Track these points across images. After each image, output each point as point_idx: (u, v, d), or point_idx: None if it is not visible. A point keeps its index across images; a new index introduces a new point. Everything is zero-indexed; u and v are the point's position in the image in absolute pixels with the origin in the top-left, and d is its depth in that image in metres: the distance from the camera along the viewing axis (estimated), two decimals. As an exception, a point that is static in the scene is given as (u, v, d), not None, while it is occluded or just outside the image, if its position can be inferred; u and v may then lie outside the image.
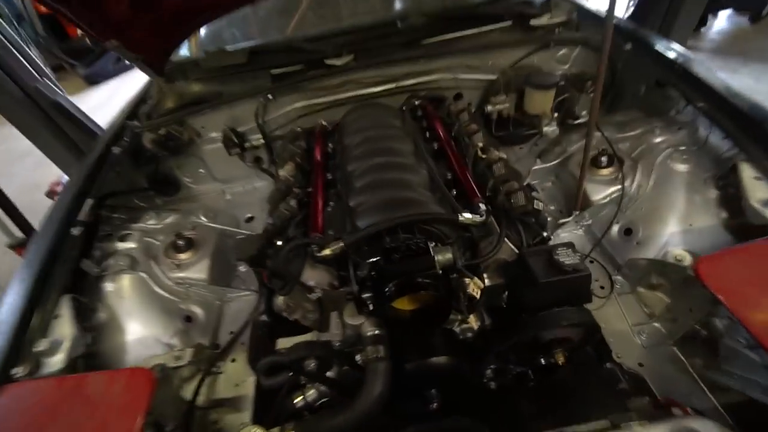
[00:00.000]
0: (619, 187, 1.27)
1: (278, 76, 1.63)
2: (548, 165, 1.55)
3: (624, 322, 1.13)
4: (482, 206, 1.02)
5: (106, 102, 6.06)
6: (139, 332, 1.18)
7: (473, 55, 1.61)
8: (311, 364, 0.92)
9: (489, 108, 1.56)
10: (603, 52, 1.01)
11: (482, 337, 1.12)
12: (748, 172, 1.01)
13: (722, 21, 4.73)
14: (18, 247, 2.47)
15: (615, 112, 1.56)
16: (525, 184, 1.12)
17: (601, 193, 1.30)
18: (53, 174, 4.08)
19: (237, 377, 1.18)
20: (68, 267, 1.15)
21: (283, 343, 1.00)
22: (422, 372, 0.95)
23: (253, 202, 1.82)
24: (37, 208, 2.62)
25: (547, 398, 1.28)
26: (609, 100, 1.70)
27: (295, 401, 1.10)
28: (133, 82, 6.85)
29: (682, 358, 1.01)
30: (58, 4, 1.25)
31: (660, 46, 1.41)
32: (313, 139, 1.48)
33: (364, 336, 0.98)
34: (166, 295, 1.27)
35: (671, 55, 1.35)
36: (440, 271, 0.86)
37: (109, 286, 1.21)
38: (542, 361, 1.06)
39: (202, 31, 2.05)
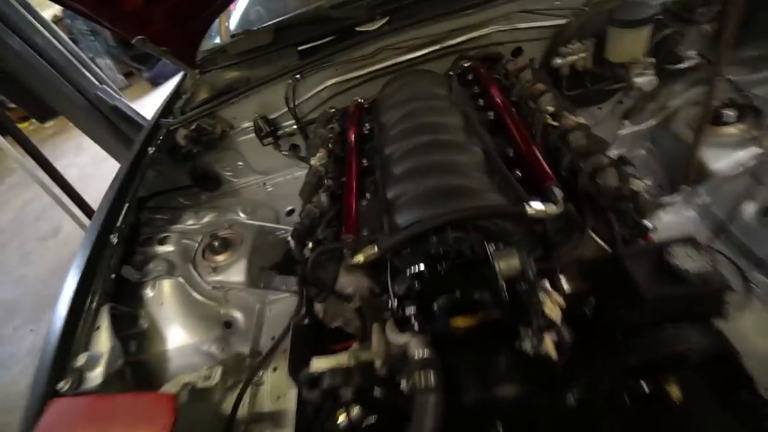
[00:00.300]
0: (756, 149, 0.92)
1: (305, 51, 1.46)
2: (641, 127, 1.21)
3: (765, 338, 0.82)
4: (557, 191, 0.77)
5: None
6: (179, 340, 1.14)
7: (533, -4, 1.28)
8: (348, 394, 0.78)
9: (558, 61, 1.25)
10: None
11: (561, 354, 0.90)
12: None
13: None
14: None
15: (742, 46, 1.15)
16: (616, 157, 0.83)
17: (725, 159, 0.96)
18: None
19: (279, 389, 1.09)
20: (109, 275, 1.13)
21: (317, 363, 0.87)
22: (485, 405, 0.77)
23: (294, 193, 1.68)
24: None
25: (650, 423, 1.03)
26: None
27: (339, 420, 0.99)
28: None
29: None
30: (75, 2, 1.20)
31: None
32: (347, 120, 1.30)
33: (411, 359, 0.81)
34: (204, 300, 1.22)
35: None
36: (503, 284, 0.65)
37: (149, 293, 1.18)
38: (645, 388, 0.81)
39: (232, 17, 1.95)
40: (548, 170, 0.83)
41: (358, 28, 1.40)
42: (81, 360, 0.92)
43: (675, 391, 0.72)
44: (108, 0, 1.21)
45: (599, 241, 0.78)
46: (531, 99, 1.05)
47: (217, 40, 1.85)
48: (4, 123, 2.76)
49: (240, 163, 1.77)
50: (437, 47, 1.38)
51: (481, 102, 1.16)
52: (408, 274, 0.70)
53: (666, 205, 1.03)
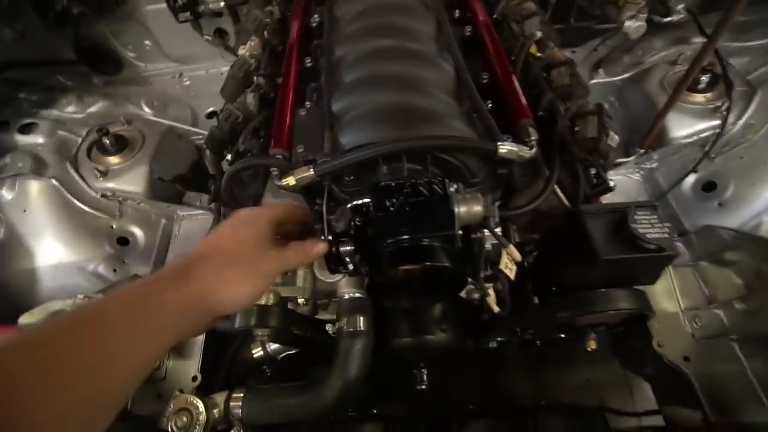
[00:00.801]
0: (717, 122, 0.90)
1: None
2: (613, 79, 1.14)
3: (674, 302, 0.88)
4: (532, 131, 0.67)
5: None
6: (54, 257, 0.91)
7: None
8: (264, 336, 0.67)
9: (549, -17, 1.08)
10: None
11: (502, 307, 0.88)
12: None
13: None
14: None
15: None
16: (595, 104, 0.74)
17: (687, 128, 0.94)
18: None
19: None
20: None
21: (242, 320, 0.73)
22: (414, 350, 0.72)
23: (218, 91, 1.41)
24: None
25: (549, 369, 1.13)
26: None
27: (254, 352, 0.91)
28: None
29: (742, 357, 0.79)
30: None
31: None
32: (291, 7, 1.02)
33: (341, 299, 0.72)
34: (90, 210, 0.97)
35: None
36: (460, 232, 0.56)
37: (4, 195, 0.90)
38: (562, 336, 0.83)
39: None
40: (525, 106, 0.71)
41: None
42: None
43: (592, 345, 0.74)
44: None
45: (560, 194, 0.72)
46: (516, 20, 0.89)
47: None
48: None
49: (148, 43, 1.38)
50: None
51: (458, 13, 0.97)
52: (349, 207, 0.57)
53: (617, 165, 1.01)
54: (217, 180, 0.75)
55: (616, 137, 0.73)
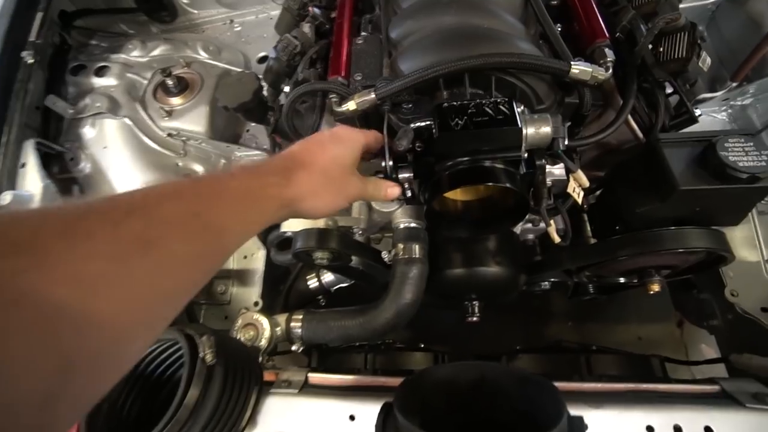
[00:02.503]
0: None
1: None
2: (705, 1, 0.99)
3: (756, 251, 0.81)
4: (609, 53, 0.61)
5: None
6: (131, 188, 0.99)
7: None
8: (322, 258, 0.71)
9: None
10: None
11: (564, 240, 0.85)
12: None
13: None
14: None
15: None
16: (688, 21, 0.65)
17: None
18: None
19: (246, 249, 1.03)
20: (27, 103, 0.90)
21: (289, 224, 0.78)
22: (467, 282, 0.73)
23: (268, 36, 1.41)
24: None
25: (598, 324, 1.10)
26: None
27: (309, 281, 0.97)
28: None
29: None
30: None
31: None
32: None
33: (397, 227, 0.73)
34: (158, 148, 1.04)
35: None
36: (526, 155, 0.54)
37: (88, 132, 0.99)
38: (621, 281, 0.80)
39: None
40: (601, 25, 0.64)
41: None
42: (5, 198, 0.77)
43: (655, 287, 0.70)
44: None
45: (634, 125, 0.66)
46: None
47: None
48: None
49: (202, -12, 1.39)
50: None
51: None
52: (411, 127, 0.56)
53: (701, 101, 0.90)
54: (276, 111, 0.76)
55: (708, 59, 0.64)
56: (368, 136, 0.57)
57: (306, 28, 0.77)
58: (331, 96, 0.65)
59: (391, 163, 0.58)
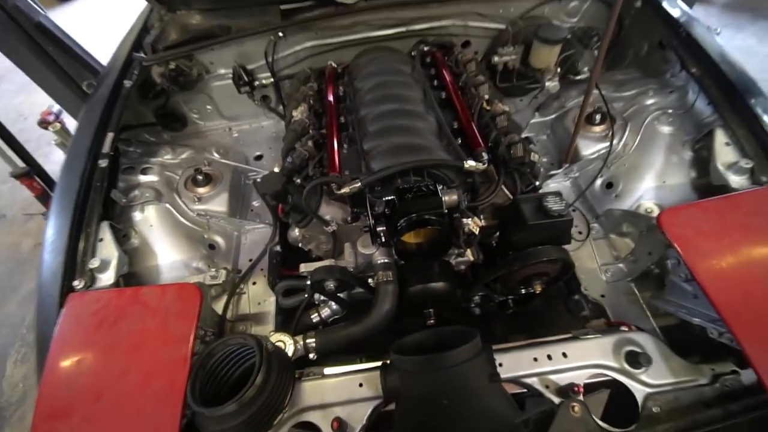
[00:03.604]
0: (608, 144, 1.39)
1: (288, 12, 1.60)
2: (546, 119, 1.65)
3: (594, 262, 1.32)
4: (484, 155, 1.13)
5: (78, 20, 5.60)
6: (169, 257, 1.31)
7: (485, 3, 1.60)
8: (330, 285, 1.08)
9: (496, 59, 1.60)
10: (614, 7, 1.06)
11: (474, 269, 1.31)
12: (720, 138, 1.14)
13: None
14: (20, 177, 2.49)
15: (615, 70, 1.63)
16: (524, 137, 1.22)
17: (590, 148, 1.42)
18: (35, 101, 3.94)
19: (259, 297, 1.36)
20: (100, 197, 1.24)
21: (305, 267, 1.16)
22: (423, 294, 1.13)
23: (260, 140, 1.89)
24: (28, 137, 2.60)
25: (521, 323, 1.52)
26: (612, 56, 1.76)
27: (312, 317, 1.30)
28: (106, 1, 6.25)
29: (636, 291, 1.22)
30: None
31: (668, 5, 1.44)
32: (324, 81, 1.51)
33: (376, 263, 1.14)
34: (190, 224, 1.39)
35: (677, 16, 1.40)
36: (446, 211, 1.00)
37: (137, 215, 1.32)
38: (522, 291, 1.25)
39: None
40: (480, 140, 1.18)
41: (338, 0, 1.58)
42: (95, 263, 1.07)
43: (538, 287, 1.16)
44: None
45: (506, 191, 1.17)
46: (473, 86, 1.38)
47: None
48: None
49: (209, 107, 1.86)
50: (404, 29, 1.63)
51: (435, 82, 1.47)
52: (381, 203, 1.00)
53: (553, 175, 1.48)
54: (293, 194, 1.18)
55: (537, 155, 1.19)
56: None
57: (310, 143, 1.23)
58: (331, 184, 1.09)
59: (372, 222, 1.01)
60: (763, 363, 0.75)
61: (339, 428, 0.87)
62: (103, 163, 1.28)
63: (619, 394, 0.92)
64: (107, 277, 1.09)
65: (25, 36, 2.47)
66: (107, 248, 1.14)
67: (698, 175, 1.21)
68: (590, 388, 0.94)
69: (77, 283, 1.05)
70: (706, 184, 1.17)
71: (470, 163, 1.08)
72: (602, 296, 1.25)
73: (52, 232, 1.13)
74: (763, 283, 0.83)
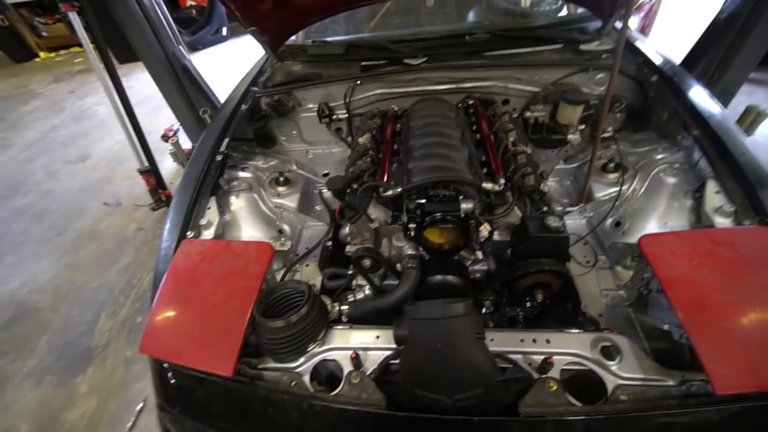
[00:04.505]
0: (618, 189, 1.61)
1: (366, 67, 2.10)
2: (570, 166, 1.90)
3: (597, 288, 1.48)
4: (501, 180, 1.42)
5: (202, 66, 6.99)
6: (250, 233, 1.72)
7: (523, 70, 1.98)
8: (367, 263, 1.39)
9: (528, 114, 1.93)
10: (611, 77, 1.36)
11: (487, 276, 1.53)
12: (711, 187, 1.32)
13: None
14: (144, 173, 3.20)
15: (638, 132, 1.87)
16: (539, 172, 1.50)
17: (603, 191, 1.64)
18: (159, 122, 4.95)
19: (309, 276, 1.69)
20: (212, 180, 1.71)
21: (350, 248, 1.48)
22: (440, 285, 1.39)
23: (329, 162, 2.34)
24: (152, 148, 3.33)
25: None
26: (639, 122, 2.01)
27: (348, 297, 1.59)
28: (223, 52, 7.69)
29: (632, 315, 1.36)
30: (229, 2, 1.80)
31: (680, 82, 1.70)
32: (386, 120, 1.94)
33: (405, 253, 1.43)
34: (268, 212, 1.81)
35: (686, 90, 1.65)
36: (462, 215, 1.29)
37: (233, 199, 1.77)
38: (527, 301, 1.45)
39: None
40: (500, 169, 1.48)
41: (405, 60, 2.06)
42: (204, 220, 1.50)
43: (539, 297, 1.36)
44: (249, 3, 1.83)
45: (518, 211, 1.44)
46: (503, 132, 1.71)
47: (293, 38, 2.47)
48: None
49: (294, 132, 2.38)
50: (455, 86, 2.04)
51: (474, 127, 1.82)
52: (415, 204, 1.32)
53: (570, 213, 1.70)
54: (350, 195, 1.54)
55: (547, 187, 1.45)
56: None
57: (368, 160, 1.62)
58: (379, 188, 1.44)
59: (405, 219, 1.33)
60: (707, 353, 0.91)
61: (356, 360, 1.13)
62: (219, 157, 1.76)
63: (592, 384, 1.08)
64: (209, 233, 1.50)
65: (174, 74, 3.31)
66: (212, 214, 1.57)
67: (696, 219, 1.38)
68: (567, 375, 1.11)
69: (189, 234, 1.47)
70: (701, 227, 1.33)
71: (487, 184, 1.38)
72: (600, 315, 1.40)
73: (178, 197, 1.60)
74: (718, 294, 0.99)
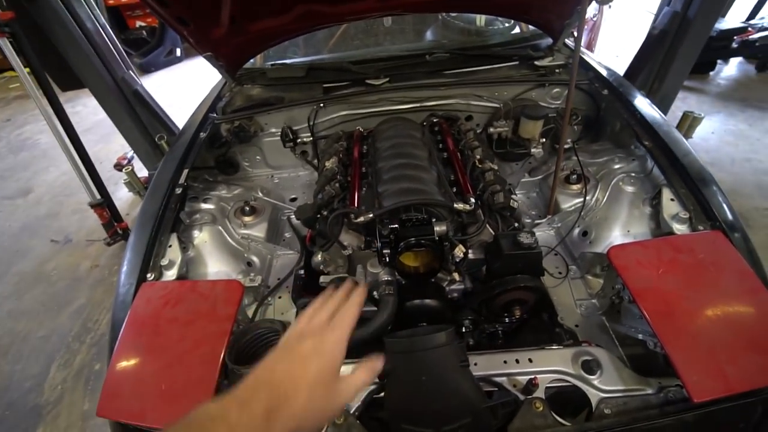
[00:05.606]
0: (582, 199, 1.66)
1: (329, 88, 2.08)
2: (534, 179, 1.96)
3: (571, 298, 1.51)
4: (472, 199, 1.43)
5: (156, 89, 6.71)
6: (216, 267, 1.62)
7: (483, 87, 2.03)
8: (343, 293, 1.34)
9: (491, 130, 1.98)
10: (569, 93, 1.42)
11: (464, 295, 1.53)
12: (667, 195, 1.40)
13: (732, 68, 5.04)
14: (96, 207, 2.98)
15: (595, 143, 1.97)
16: (507, 188, 1.52)
17: (568, 203, 1.70)
18: (111, 150, 4.66)
19: (283, 309, 1.61)
20: (172, 215, 1.60)
21: (324, 278, 1.43)
22: (418, 309, 1.36)
23: (296, 186, 2.28)
24: (104, 177, 3.13)
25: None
26: (594, 132, 2.11)
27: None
28: (178, 74, 7.44)
29: (606, 323, 1.40)
30: (180, 26, 1.73)
31: (627, 94, 1.81)
32: (352, 141, 1.92)
33: (381, 280, 1.40)
34: (235, 244, 1.72)
35: (634, 102, 1.75)
36: (437, 237, 1.28)
37: (196, 233, 1.67)
38: (505, 317, 1.45)
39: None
40: (470, 188, 1.49)
41: (367, 81, 2.05)
42: (165, 260, 1.40)
43: (518, 312, 1.37)
44: (205, 31, 1.76)
45: (490, 229, 1.45)
46: (469, 149, 1.74)
47: (252, 61, 2.42)
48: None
49: (258, 157, 2.30)
50: (418, 105, 2.06)
51: (440, 146, 1.83)
52: (388, 229, 1.30)
53: (538, 225, 1.74)
54: (320, 223, 1.49)
55: (517, 203, 1.48)
56: (341, 329, 0.64)
57: (336, 185, 1.58)
58: (350, 215, 1.41)
59: (379, 245, 1.30)
60: (682, 362, 0.94)
61: (339, 401, 1.07)
62: (179, 190, 1.67)
63: (573, 398, 1.08)
64: (171, 274, 1.40)
65: (125, 100, 3.13)
66: (173, 253, 1.46)
67: (656, 226, 1.45)
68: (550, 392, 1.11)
69: (150, 276, 1.36)
70: (661, 233, 1.40)
71: (459, 204, 1.38)
72: (576, 326, 1.43)
73: (135, 237, 1.48)
74: (684, 301, 1.03)
